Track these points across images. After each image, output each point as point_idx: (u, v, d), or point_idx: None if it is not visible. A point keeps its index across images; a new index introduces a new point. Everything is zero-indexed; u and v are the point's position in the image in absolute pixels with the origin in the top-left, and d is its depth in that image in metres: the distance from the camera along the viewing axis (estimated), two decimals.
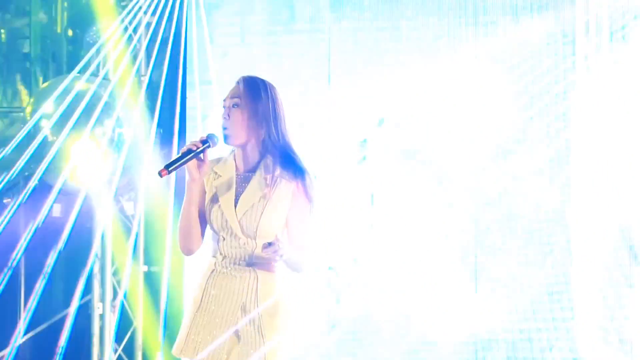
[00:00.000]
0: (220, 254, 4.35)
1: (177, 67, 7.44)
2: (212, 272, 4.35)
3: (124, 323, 7.41)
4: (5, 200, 7.49)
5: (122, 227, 7.46)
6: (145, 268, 7.45)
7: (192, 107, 7.28)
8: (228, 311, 4.31)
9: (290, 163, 4.34)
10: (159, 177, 4.24)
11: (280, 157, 4.34)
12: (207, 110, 7.20)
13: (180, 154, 4.26)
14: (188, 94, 7.30)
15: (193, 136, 7.23)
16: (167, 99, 7.57)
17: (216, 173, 4.37)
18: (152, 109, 7.32)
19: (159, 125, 7.27)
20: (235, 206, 4.31)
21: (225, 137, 4.33)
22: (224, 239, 4.33)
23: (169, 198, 7.41)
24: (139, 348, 7.42)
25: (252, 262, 4.32)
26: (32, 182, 7.34)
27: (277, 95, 4.38)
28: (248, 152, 4.37)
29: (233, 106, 4.33)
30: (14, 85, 7.75)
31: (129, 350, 7.42)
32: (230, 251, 4.33)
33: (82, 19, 7.19)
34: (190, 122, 7.30)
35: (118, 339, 7.40)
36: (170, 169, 4.22)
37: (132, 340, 7.42)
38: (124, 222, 7.44)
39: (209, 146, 4.28)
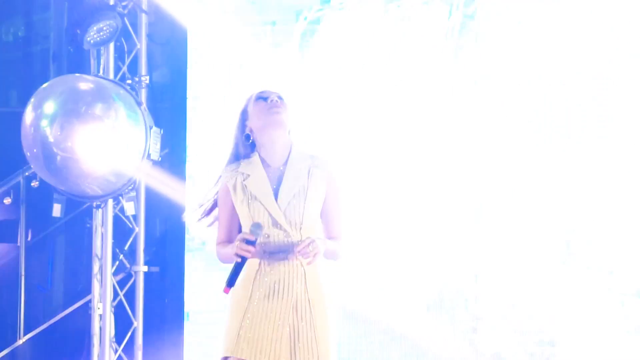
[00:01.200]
0: (265, 251, 4.38)
1: (178, 68, 7.45)
2: (257, 272, 4.40)
3: (124, 323, 7.41)
4: (5, 201, 7.48)
5: (122, 227, 7.46)
6: (145, 268, 7.46)
7: (193, 108, 7.28)
8: (280, 310, 4.36)
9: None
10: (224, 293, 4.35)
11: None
12: (208, 111, 7.20)
13: (235, 267, 4.32)
14: (189, 94, 7.30)
15: (195, 135, 7.24)
16: (168, 99, 7.57)
17: (243, 173, 4.44)
18: (152, 110, 7.33)
19: (159, 125, 7.27)
20: (276, 199, 4.37)
21: (275, 122, 4.42)
22: (267, 236, 4.37)
23: (169, 198, 7.42)
24: (139, 348, 7.42)
25: (298, 255, 4.36)
26: (33, 183, 7.34)
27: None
28: (279, 144, 4.47)
29: (279, 98, 4.48)
30: (15, 85, 7.76)
31: (129, 350, 7.42)
32: (275, 246, 4.38)
33: (83, 19, 7.18)
34: (190, 124, 7.31)
35: (118, 339, 7.40)
36: (232, 284, 4.32)
37: (132, 340, 7.42)
38: (124, 222, 7.44)
39: (255, 242, 4.32)
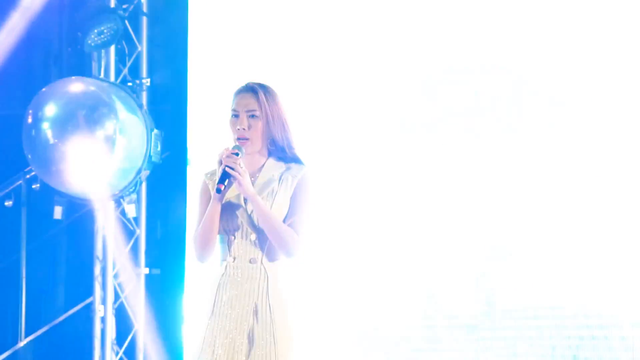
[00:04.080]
0: (231, 255, 4.41)
1: (179, 70, 7.45)
2: (223, 275, 4.42)
3: (125, 326, 7.41)
4: (6, 203, 7.48)
5: (123, 230, 7.47)
6: (147, 270, 7.46)
7: (193, 110, 7.29)
8: (241, 314, 4.37)
9: (293, 160, 4.46)
10: (217, 192, 4.28)
11: (284, 155, 4.46)
12: (209, 113, 7.21)
13: (223, 170, 4.29)
14: (190, 96, 7.30)
15: (194, 139, 7.24)
16: (169, 102, 7.58)
17: None
18: (153, 112, 7.33)
19: (160, 128, 7.27)
20: (245, 203, 4.39)
21: (242, 147, 4.40)
22: (234, 238, 4.39)
23: (170, 200, 7.43)
24: (140, 351, 7.42)
25: (263, 259, 4.38)
26: (34, 185, 7.35)
27: (282, 100, 4.47)
28: (255, 155, 4.47)
29: (251, 116, 4.42)
30: (16, 88, 7.76)
31: (130, 352, 7.42)
32: (241, 250, 4.39)
33: (84, 22, 7.19)
34: (191, 125, 7.31)
35: (119, 341, 7.40)
36: (225, 186, 4.28)
37: (133, 343, 7.43)
38: (125, 224, 7.44)
39: (241, 157, 4.34)
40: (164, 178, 7.44)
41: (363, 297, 6.85)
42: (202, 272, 7.01)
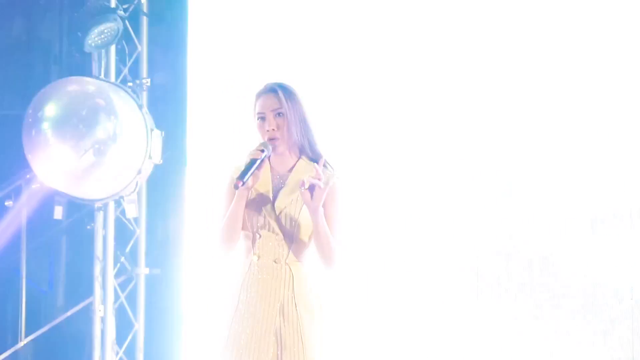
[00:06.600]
0: (255, 254, 4.39)
1: (179, 70, 7.45)
2: (247, 273, 4.40)
3: (125, 326, 7.41)
4: (7, 203, 7.48)
5: (124, 230, 7.47)
6: (147, 270, 7.46)
7: (195, 110, 7.29)
8: (267, 314, 4.34)
9: (322, 166, 4.40)
10: (235, 188, 4.26)
11: (314, 159, 4.43)
12: (208, 112, 7.21)
13: (247, 164, 4.28)
14: (190, 97, 7.30)
15: (195, 138, 7.25)
16: (169, 102, 7.58)
17: None
18: (153, 112, 7.33)
19: (160, 128, 7.27)
20: (274, 202, 4.36)
21: (274, 147, 4.39)
22: (260, 237, 4.37)
23: (170, 200, 7.43)
24: (140, 351, 7.42)
25: (288, 259, 4.37)
26: (34, 185, 7.34)
27: (302, 98, 4.48)
28: (286, 155, 4.46)
29: (278, 115, 4.40)
30: (16, 88, 7.76)
31: (130, 353, 7.42)
32: (266, 248, 4.37)
33: (84, 22, 7.19)
34: (193, 125, 7.31)
35: (119, 341, 7.40)
36: (244, 180, 4.25)
37: (133, 342, 7.43)
38: (125, 224, 7.44)
39: (267, 155, 4.34)
40: (164, 178, 7.44)
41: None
42: (202, 272, 7.05)
